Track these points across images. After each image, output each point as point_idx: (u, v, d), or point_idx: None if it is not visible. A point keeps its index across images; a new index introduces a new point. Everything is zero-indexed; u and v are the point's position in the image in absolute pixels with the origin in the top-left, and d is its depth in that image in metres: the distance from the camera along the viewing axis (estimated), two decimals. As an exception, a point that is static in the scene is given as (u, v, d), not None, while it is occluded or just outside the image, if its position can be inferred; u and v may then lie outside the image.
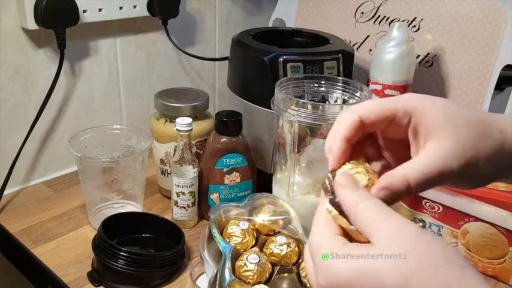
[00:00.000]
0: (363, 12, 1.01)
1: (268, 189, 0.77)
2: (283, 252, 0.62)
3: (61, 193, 0.86)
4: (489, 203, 0.66)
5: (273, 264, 0.62)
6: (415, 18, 0.95)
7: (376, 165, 0.42)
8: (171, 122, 0.81)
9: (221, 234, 0.64)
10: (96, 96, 0.92)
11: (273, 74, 0.77)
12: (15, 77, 0.80)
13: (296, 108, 0.65)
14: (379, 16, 0.99)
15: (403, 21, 0.95)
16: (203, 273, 0.68)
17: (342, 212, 0.36)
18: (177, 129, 0.74)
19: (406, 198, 0.72)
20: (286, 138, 0.68)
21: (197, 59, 1.04)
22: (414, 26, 0.95)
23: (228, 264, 0.60)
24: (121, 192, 0.78)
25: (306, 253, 0.38)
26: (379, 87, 0.85)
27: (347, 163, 0.38)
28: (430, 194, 0.70)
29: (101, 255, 0.64)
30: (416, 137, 0.38)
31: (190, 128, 0.74)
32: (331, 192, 0.37)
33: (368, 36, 1.00)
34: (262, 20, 1.18)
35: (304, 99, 0.72)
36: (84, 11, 0.82)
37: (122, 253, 0.63)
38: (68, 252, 0.71)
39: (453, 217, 0.69)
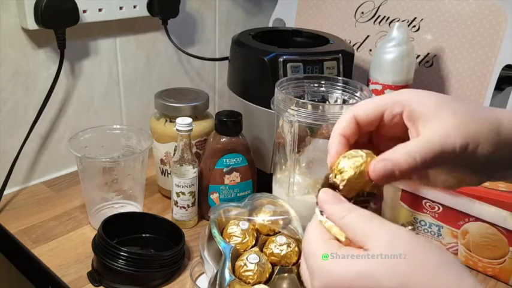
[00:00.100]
0: (363, 12, 1.01)
1: (268, 189, 0.77)
2: (283, 252, 0.62)
3: (61, 193, 0.86)
4: (489, 203, 0.66)
5: (273, 264, 0.62)
6: (415, 18, 0.95)
7: None
8: (171, 122, 0.81)
9: (221, 234, 0.64)
10: (96, 96, 0.92)
11: (273, 74, 0.77)
12: (15, 77, 0.80)
13: (296, 108, 0.65)
14: (379, 16, 0.99)
15: (403, 21, 0.95)
16: (203, 273, 0.68)
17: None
18: (177, 129, 0.74)
19: (406, 198, 0.72)
20: (286, 138, 0.68)
21: (197, 59, 1.04)
22: (414, 26, 0.95)
23: (228, 264, 0.60)
24: (121, 192, 0.78)
25: (302, 260, 0.38)
26: (379, 87, 0.85)
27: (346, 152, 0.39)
28: (430, 194, 0.70)
29: (101, 255, 0.64)
30: (414, 123, 0.37)
31: (190, 128, 0.74)
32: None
33: (368, 36, 1.00)
34: (262, 20, 1.18)
35: (304, 99, 0.73)
36: (84, 11, 0.82)
37: (122, 253, 0.63)
38: (68, 252, 0.71)
39: (453, 217, 0.69)
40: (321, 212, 0.37)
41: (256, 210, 0.68)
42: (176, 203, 0.76)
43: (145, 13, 0.91)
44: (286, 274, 0.60)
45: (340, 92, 0.74)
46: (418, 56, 0.95)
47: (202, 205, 0.79)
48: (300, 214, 0.67)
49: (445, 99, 0.38)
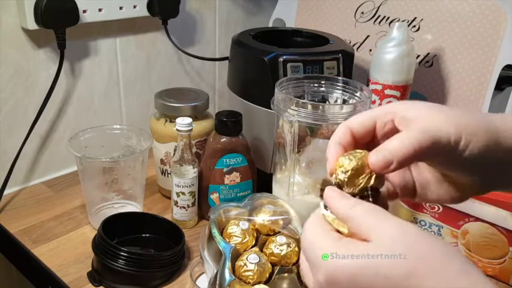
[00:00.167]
0: (363, 12, 1.01)
1: (268, 189, 0.77)
2: (283, 252, 0.62)
3: (61, 193, 0.86)
4: (489, 203, 0.66)
5: (273, 264, 0.62)
6: (415, 18, 0.95)
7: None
8: (171, 122, 0.81)
9: (221, 234, 0.64)
10: (96, 96, 0.92)
11: (273, 74, 0.77)
12: (15, 77, 0.80)
13: (296, 108, 0.65)
14: (379, 16, 0.99)
15: (403, 21, 0.95)
16: (203, 273, 0.68)
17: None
18: (177, 129, 0.74)
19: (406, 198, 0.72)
20: (286, 138, 0.68)
21: (197, 59, 1.04)
22: (414, 26, 0.95)
23: (228, 264, 0.60)
24: (121, 192, 0.78)
25: (301, 257, 0.38)
26: (379, 87, 0.85)
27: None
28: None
29: (101, 255, 0.64)
30: (407, 126, 0.38)
31: (190, 128, 0.74)
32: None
33: (368, 36, 1.00)
34: (262, 20, 1.18)
35: (304, 99, 0.73)
36: (84, 11, 0.82)
37: (122, 253, 0.63)
38: (68, 252, 0.71)
39: (453, 217, 0.69)
40: (325, 207, 0.37)
41: (256, 210, 0.68)
42: (176, 203, 0.76)
43: (145, 13, 0.91)
44: (286, 274, 0.60)
45: (340, 92, 0.74)
46: (418, 56, 0.95)
47: (202, 205, 0.79)
48: (300, 214, 0.67)
49: (435, 104, 0.39)
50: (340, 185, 0.38)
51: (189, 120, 0.74)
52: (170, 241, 0.71)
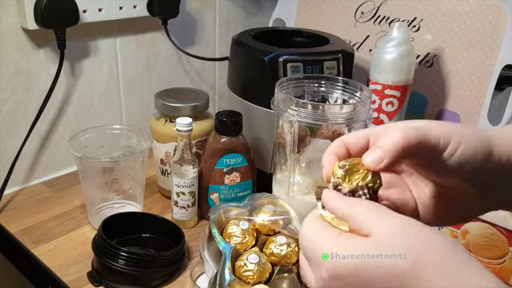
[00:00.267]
0: (363, 12, 1.01)
1: (268, 189, 0.77)
2: (283, 252, 0.62)
3: (61, 193, 0.86)
4: (489, 203, 0.66)
5: (273, 264, 0.62)
6: (415, 18, 0.95)
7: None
8: (171, 122, 0.81)
9: (221, 234, 0.64)
10: (96, 96, 0.92)
11: (273, 74, 0.77)
12: (15, 77, 0.80)
13: (296, 108, 0.65)
14: (379, 16, 0.99)
15: (403, 21, 0.95)
16: (203, 273, 0.68)
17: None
18: (177, 129, 0.74)
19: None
20: (286, 138, 0.68)
21: (197, 59, 1.04)
22: (414, 26, 0.95)
23: (228, 264, 0.60)
24: (121, 192, 0.78)
25: (300, 257, 0.38)
26: (379, 87, 0.85)
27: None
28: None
29: (101, 255, 0.64)
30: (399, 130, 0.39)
31: (190, 128, 0.74)
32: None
33: (368, 36, 1.00)
34: (262, 20, 1.18)
35: (304, 99, 0.72)
36: (84, 11, 0.82)
37: (122, 253, 0.63)
38: (68, 252, 0.71)
39: (453, 217, 0.69)
40: (323, 207, 0.37)
41: (256, 210, 0.68)
42: (176, 203, 0.76)
43: (145, 13, 0.91)
44: (286, 274, 0.60)
45: (340, 92, 0.73)
46: (418, 56, 0.95)
47: (202, 205, 0.79)
48: (300, 214, 0.67)
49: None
50: (337, 185, 0.38)
51: (189, 120, 0.74)
52: (170, 241, 0.71)
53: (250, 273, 0.59)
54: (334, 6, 1.04)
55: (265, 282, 0.60)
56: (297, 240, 0.64)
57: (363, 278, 0.33)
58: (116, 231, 0.70)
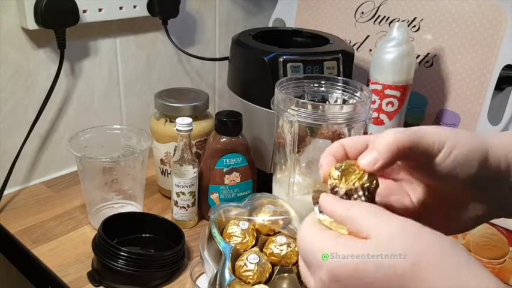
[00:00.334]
0: (363, 12, 1.01)
1: (268, 189, 0.77)
2: (283, 252, 0.62)
3: (61, 193, 0.86)
4: (489, 203, 0.65)
5: (273, 264, 0.62)
6: (415, 18, 0.95)
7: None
8: (171, 122, 0.81)
9: (221, 234, 0.64)
10: (96, 96, 0.92)
11: (273, 74, 0.77)
12: (15, 77, 0.80)
13: (296, 108, 0.65)
14: (379, 16, 0.99)
15: (403, 21, 0.95)
16: (203, 273, 0.68)
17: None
18: (177, 129, 0.74)
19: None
20: (286, 138, 0.68)
21: (197, 59, 1.04)
22: (414, 26, 0.95)
23: (228, 264, 0.60)
24: (121, 192, 0.78)
25: (300, 260, 0.38)
26: (379, 87, 0.85)
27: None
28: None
29: (101, 255, 0.64)
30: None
31: (190, 128, 0.74)
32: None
33: (368, 36, 1.00)
34: (262, 20, 1.18)
35: (304, 99, 0.72)
36: (84, 11, 0.82)
37: (122, 253, 0.63)
38: (68, 252, 0.71)
39: (453, 217, 0.69)
40: (320, 212, 0.37)
41: (256, 210, 0.68)
42: (176, 203, 0.76)
43: (145, 13, 0.91)
44: (286, 274, 0.60)
45: (340, 92, 0.73)
46: (418, 56, 0.95)
47: (202, 205, 0.79)
48: (300, 214, 0.67)
49: None
50: (334, 187, 0.38)
51: (189, 120, 0.74)
52: (170, 241, 0.71)
53: (250, 273, 0.59)
54: (334, 6, 1.04)
55: (265, 282, 0.60)
56: (297, 240, 0.64)
57: (363, 279, 0.32)
58: (116, 231, 0.70)
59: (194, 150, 0.81)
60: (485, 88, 0.89)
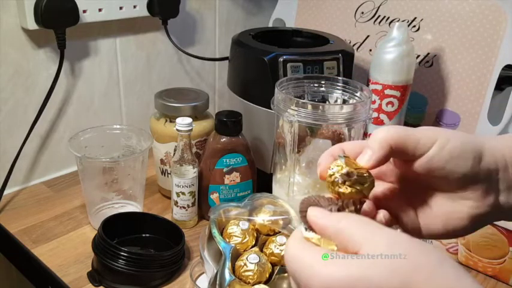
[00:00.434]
0: (363, 12, 1.01)
1: (268, 189, 0.77)
2: (283, 252, 0.62)
3: (61, 193, 0.86)
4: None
5: (273, 264, 0.62)
6: (415, 18, 0.95)
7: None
8: (171, 122, 0.81)
9: (221, 234, 0.64)
10: (96, 96, 0.92)
11: (273, 74, 0.77)
12: (15, 77, 0.80)
13: (296, 108, 0.65)
14: (379, 16, 0.99)
15: (403, 21, 0.95)
16: (203, 273, 0.68)
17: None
18: (177, 129, 0.74)
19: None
20: (286, 138, 0.68)
21: (197, 59, 1.04)
22: (414, 26, 0.95)
23: (228, 264, 0.60)
24: (121, 192, 0.78)
25: (290, 279, 0.37)
26: (379, 87, 0.85)
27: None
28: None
29: (101, 255, 0.64)
30: None
31: (190, 128, 0.74)
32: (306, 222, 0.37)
33: (368, 36, 1.00)
34: (262, 20, 1.19)
35: (304, 99, 0.73)
36: (84, 11, 0.82)
37: (122, 253, 0.63)
38: (68, 252, 0.71)
39: (453, 217, 0.69)
40: (306, 229, 0.37)
41: (256, 210, 0.68)
42: (176, 203, 0.76)
43: (145, 13, 0.91)
44: (286, 274, 0.60)
45: (340, 92, 0.73)
46: (418, 56, 0.95)
47: (202, 205, 0.79)
48: (300, 214, 0.67)
49: None
50: (334, 185, 0.38)
51: (189, 120, 0.74)
52: (170, 241, 0.71)
53: (250, 273, 0.59)
54: (334, 6, 1.04)
55: (265, 282, 0.60)
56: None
57: None
58: (116, 231, 0.70)
59: (194, 150, 0.81)
60: (485, 88, 0.89)
